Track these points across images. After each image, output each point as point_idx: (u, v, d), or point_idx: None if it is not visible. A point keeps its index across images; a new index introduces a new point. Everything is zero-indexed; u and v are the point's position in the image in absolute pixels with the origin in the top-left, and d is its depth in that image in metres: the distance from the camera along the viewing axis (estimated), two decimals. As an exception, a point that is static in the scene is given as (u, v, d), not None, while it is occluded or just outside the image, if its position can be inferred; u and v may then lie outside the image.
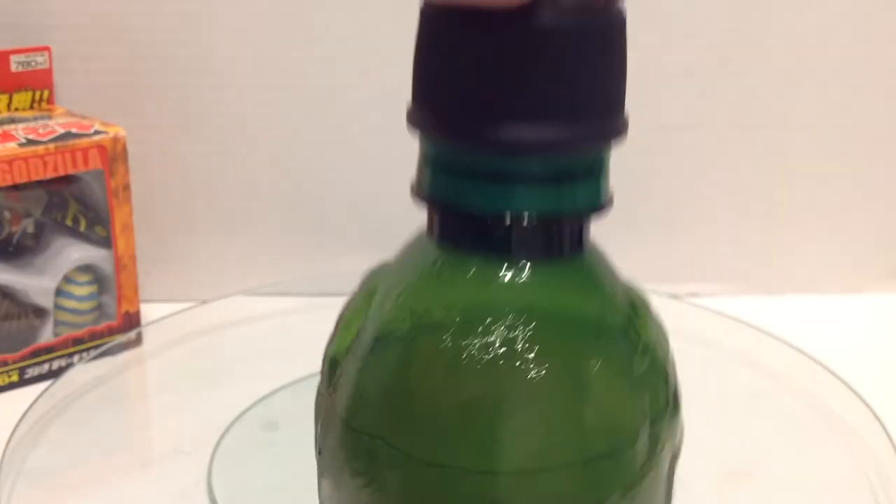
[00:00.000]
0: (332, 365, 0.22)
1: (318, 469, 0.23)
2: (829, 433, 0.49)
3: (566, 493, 0.20)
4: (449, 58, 0.19)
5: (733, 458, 0.46)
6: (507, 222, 0.19)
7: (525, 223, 0.19)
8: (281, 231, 0.63)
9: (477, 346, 0.19)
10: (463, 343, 0.20)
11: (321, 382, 0.23)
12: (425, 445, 0.20)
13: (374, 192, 0.62)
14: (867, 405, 0.48)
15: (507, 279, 0.20)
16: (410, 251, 0.21)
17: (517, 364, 0.19)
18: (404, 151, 0.70)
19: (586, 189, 0.20)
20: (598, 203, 0.20)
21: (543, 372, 0.19)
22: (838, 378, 0.50)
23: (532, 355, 0.19)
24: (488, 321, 0.20)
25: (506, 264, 0.20)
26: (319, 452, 0.22)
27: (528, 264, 0.20)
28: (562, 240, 0.20)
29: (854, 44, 0.61)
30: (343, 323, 0.23)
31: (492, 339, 0.19)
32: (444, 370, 0.20)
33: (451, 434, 0.20)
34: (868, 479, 0.45)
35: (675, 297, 0.61)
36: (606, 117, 0.19)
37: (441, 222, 0.20)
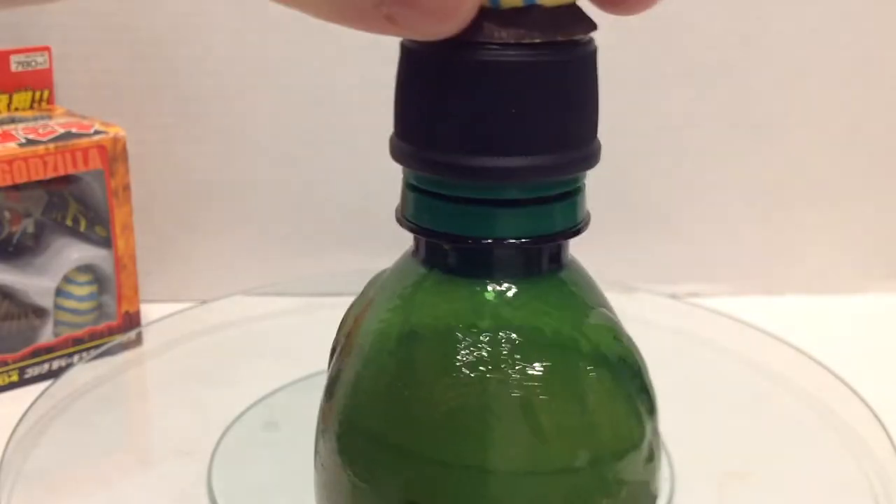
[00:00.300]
0: (330, 367, 0.23)
1: (315, 471, 0.23)
2: (829, 433, 0.49)
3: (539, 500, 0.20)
4: (419, 92, 0.20)
5: (733, 458, 0.46)
6: (486, 245, 0.20)
7: (503, 245, 0.20)
8: (281, 231, 0.63)
9: (458, 361, 0.20)
10: (445, 358, 0.20)
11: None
12: (411, 453, 0.20)
13: (374, 192, 0.62)
14: (867, 405, 0.48)
15: (487, 297, 0.21)
16: (399, 269, 0.22)
17: (496, 377, 0.20)
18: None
19: (562, 212, 0.21)
20: (573, 225, 0.21)
21: (520, 384, 0.20)
22: (838, 378, 0.50)
23: (510, 368, 0.20)
24: (469, 337, 0.20)
25: (486, 283, 0.21)
26: (317, 454, 0.23)
27: (508, 282, 0.21)
28: (540, 259, 0.21)
29: (854, 44, 0.61)
30: (343, 329, 0.23)
31: (472, 354, 0.20)
32: (428, 383, 0.21)
33: (435, 442, 0.20)
34: (868, 479, 0.45)
35: (675, 297, 0.61)
36: (576, 146, 0.20)
37: (424, 245, 0.21)
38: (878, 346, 0.59)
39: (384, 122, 0.69)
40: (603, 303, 0.22)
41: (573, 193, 0.21)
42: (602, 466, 0.21)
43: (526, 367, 0.20)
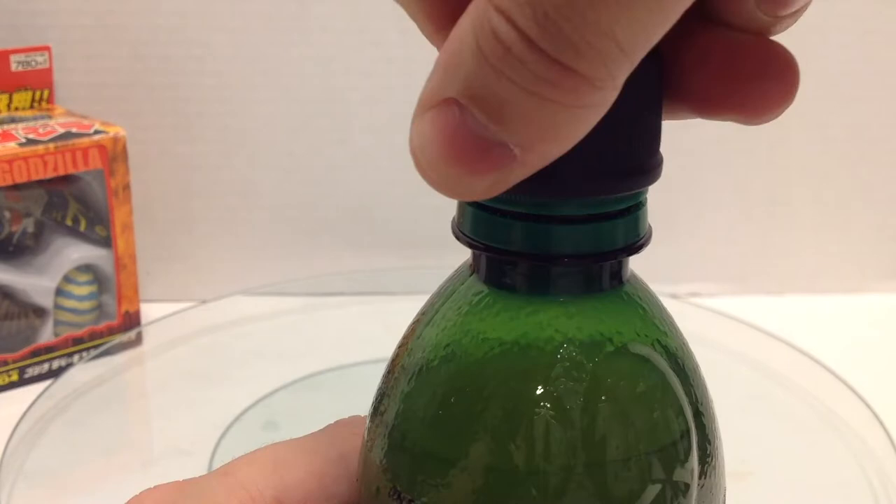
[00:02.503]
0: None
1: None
2: (829, 433, 0.49)
3: None
4: None
5: (733, 458, 0.46)
6: (548, 262, 0.20)
7: (565, 262, 0.20)
8: (281, 231, 0.63)
9: (521, 378, 0.20)
10: (507, 376, 0.20)
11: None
12: (467, 466, 0.20)
13: (374, 192, 0.62)
14: (867, 405, 0.48)
15: (549, 314, 0.20)
16: (454, 284, 0.22)
17: (560, 394, 0.20)
18: (404, 151, 0.70)
19: (624, 228, 0.20)
20: (635, 240, 0.21)
21: (580, 402, 0.20)
22: (838, 378, 0.50)
23: (573, 385, 0.20)
24: (531, 354, 0.20)
25: (548, 299, 0.20)
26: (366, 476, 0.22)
27: (570, 299, 0.20)
28: (601, 276, 0.21)
29: (854, 44, 0.61)
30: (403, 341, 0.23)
31: (535, 371, 0.20)
32: (490, 402, 0.20)
33: (493, 455, 0.20)
34: (868, 479, 0.45)
35: (675, 297, 0.61)
36: (643, 162, 0.20)
37: (484, 261, 0.21)
38: (878, 346, 0.59)
39: (384, 122, 0.69)
40: (665, 317, 0.22)
41: (635, 208, 0.20)
42: (650, 485, 0.20)
43: (589, 382, 0.20)
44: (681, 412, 0.21)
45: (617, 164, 0.19)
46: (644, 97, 0.20)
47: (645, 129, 0.20)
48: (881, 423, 0.46)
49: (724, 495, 0.23)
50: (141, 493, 0.22)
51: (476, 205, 0.20)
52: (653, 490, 0.20)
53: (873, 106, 0.62)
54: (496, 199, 0.20)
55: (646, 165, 0.20)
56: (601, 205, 0.20)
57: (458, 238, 0.21)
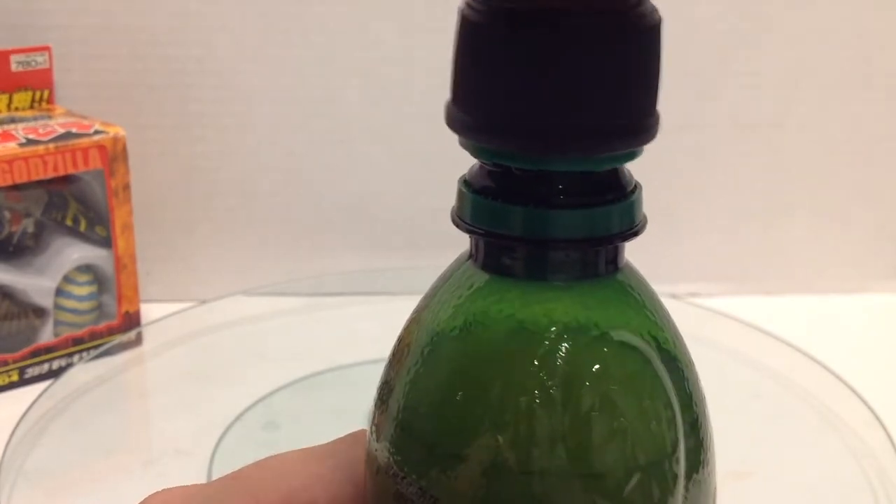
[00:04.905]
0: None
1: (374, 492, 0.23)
2: (829, 433, 0.49)
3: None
4: (495, 65, 0.20)
5: (733, 458, 0.46)
6: (545, 246, 0.20)
7: (562, 246, 0.20)
8: (281, 231, 0.63)
9: (506, 362, 0.20)
10: (508, 362, 0.20)
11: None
12: (467, 456, 0.20)
13: (374, 192, 0.62)
14: (867, 405, 0.48)
15: (545, 300, 0.21)
16: (454, 272, 0.22)
17: (552, 381, 0.20)
18: (404, 151, 0.70)
19: (620, 213, 0.21)
20: (631, 227, 0.21)
21: (576, 387, 0.20)
22: (838, 378, 0.50)
23: (567, 370, 0.20)
24: (522, 338, 0.20)
25: (544, 285, 0.21)
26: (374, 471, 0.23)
27: (568, 284, 0.21)
28: (597, 261, 0.21)
29: (854, 44, 0.61)
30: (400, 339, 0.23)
31: (523, 354, 0.20)
32: (491, 388, 0.21)
33: (491, 440, 0.20)
34: (868, 479, 0.45)
35: (674, 296, 0.61)
36: (637, 120, 0.20)
37: (481, 248, 0.21)
38: (878, 346, 0.59)
39: (384, 122, 0.69)
40: (658, 308, 0.22)
41: (631, 193, 0.21)
42: (644, 472, 0.21)
43: (577, 368, 0.20)
44: (669, 404, 0.21)
45: (612, 121, 0.20)
46: (645, 53, 0.20)
47: (642, 86, 0.20)
48: (881, 423, 0.46)
49: (716, 492, 0.23)
50: (148, 497, 0.23)
51: (473, 190, 0.21)
52: (637, 480, 0.21)
53: (873, 106, 0.62)
54: (488, 155, 0.20)
55: (641, 124, 0.20)
56: (599, 187, 0.20)
57: (456, 225, 0.21)
